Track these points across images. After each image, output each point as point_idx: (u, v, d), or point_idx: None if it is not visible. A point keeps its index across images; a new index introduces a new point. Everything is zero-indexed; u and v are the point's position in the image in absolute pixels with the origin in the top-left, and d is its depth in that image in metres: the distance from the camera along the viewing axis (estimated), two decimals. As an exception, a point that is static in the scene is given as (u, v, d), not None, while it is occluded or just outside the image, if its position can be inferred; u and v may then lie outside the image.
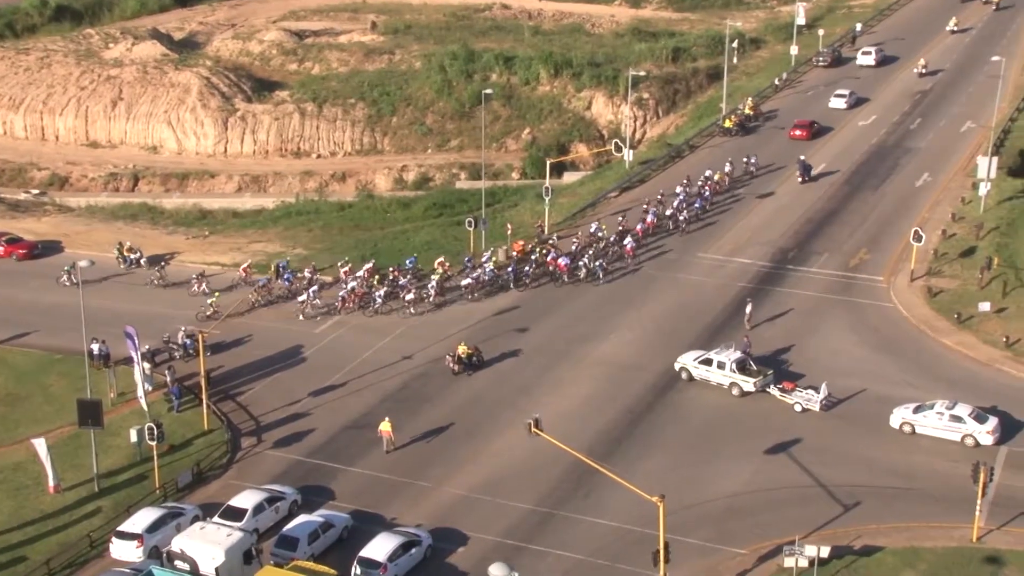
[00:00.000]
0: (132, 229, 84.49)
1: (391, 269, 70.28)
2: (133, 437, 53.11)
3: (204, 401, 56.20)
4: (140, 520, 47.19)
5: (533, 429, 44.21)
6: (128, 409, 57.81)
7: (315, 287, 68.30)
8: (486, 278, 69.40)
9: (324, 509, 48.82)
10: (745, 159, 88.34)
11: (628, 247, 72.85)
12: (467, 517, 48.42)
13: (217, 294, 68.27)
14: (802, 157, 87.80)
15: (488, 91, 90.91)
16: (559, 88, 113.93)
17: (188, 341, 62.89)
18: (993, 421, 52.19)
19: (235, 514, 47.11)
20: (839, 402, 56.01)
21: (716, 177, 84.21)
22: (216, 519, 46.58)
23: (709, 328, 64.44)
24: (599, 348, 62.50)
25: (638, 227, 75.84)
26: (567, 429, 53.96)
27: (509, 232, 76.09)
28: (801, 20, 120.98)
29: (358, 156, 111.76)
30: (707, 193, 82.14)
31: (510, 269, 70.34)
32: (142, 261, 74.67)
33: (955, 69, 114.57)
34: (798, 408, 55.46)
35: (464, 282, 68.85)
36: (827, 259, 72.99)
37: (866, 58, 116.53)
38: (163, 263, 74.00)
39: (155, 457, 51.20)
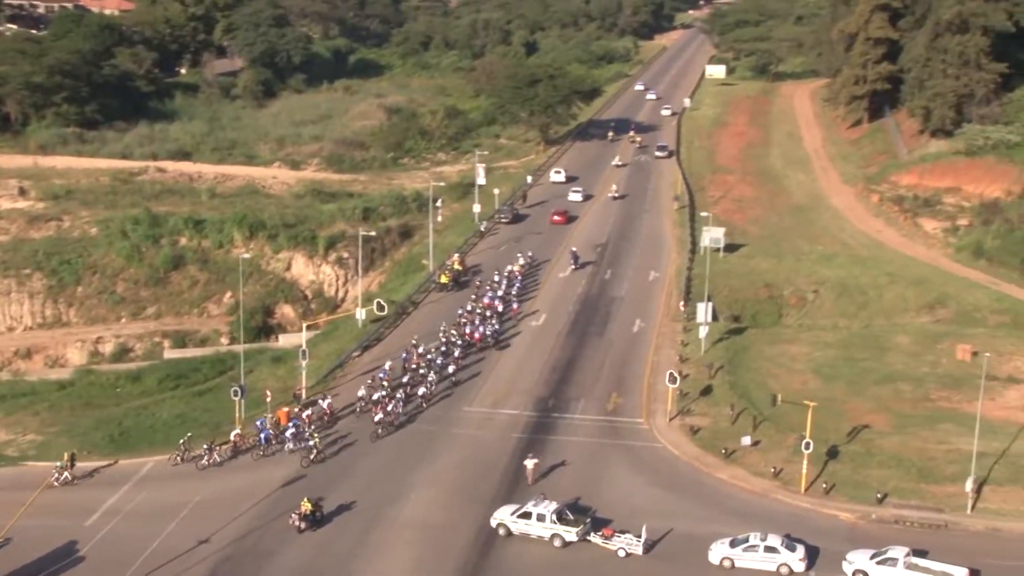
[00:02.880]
0: None
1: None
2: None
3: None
4: None
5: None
6: None
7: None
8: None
9: None
10: (520, 254, 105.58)
11: (514, 307, 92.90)
12: None
13: (317, 438, 67.34)
14: (573, 248, 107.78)
15: (246, 255, 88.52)
16: (256, 250, 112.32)
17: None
18: (801, 548, 55.98)
19: None
20: (654, 544, 58.00)
21: (516, 268, 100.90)
22: None
23: (502, 481, 65.05)
24: (404, 510, 61.41)
25: (486, 300, 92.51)
26: (404, 598, 52.80)
27: (268, 399, 73.54)
28: (482, 180, 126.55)
29: (41, 330, 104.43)
30: (519, 277, 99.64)
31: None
32: None
33: (627, 206, 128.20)
34: (622, 554, 56.96)
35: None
36: (584, 405, 75.90)
37: (558, 176, 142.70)
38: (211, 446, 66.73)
39: None
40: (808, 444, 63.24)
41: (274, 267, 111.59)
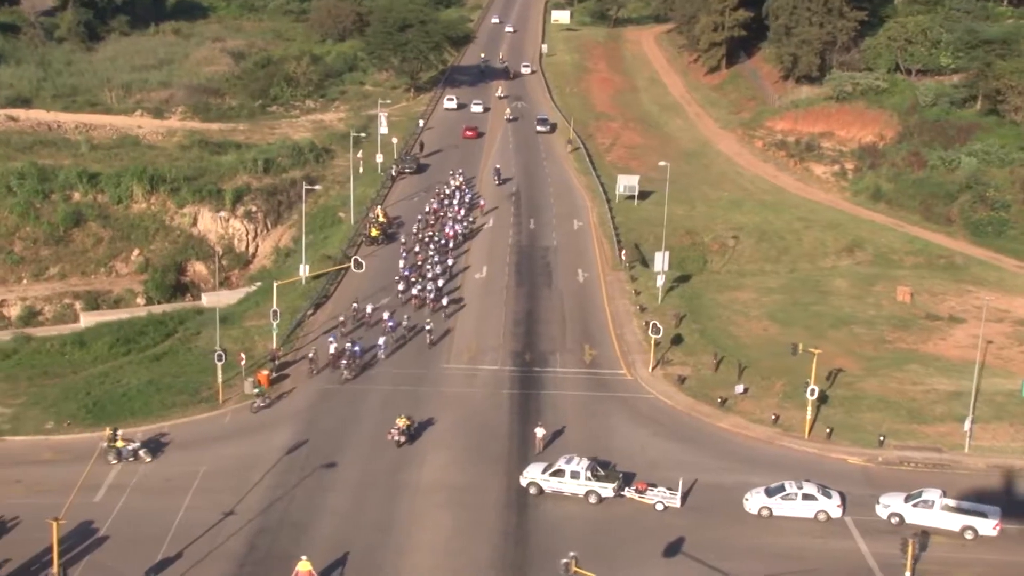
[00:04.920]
0: None
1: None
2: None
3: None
4: None
5: (575, 568, 41.71)
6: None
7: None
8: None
9: None
10: (450, 171, 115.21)
11: (481, 204, 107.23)
12: None
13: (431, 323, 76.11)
14: (497, 165, 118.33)
15: (222, 213, 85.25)
16: (158, 205, 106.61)
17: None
18: (837, 495, 56.90)
19: None
20: (685, 495, 58.04)
21: (458, 181, 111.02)
22: None
23: (510, 437, 63.99)
24: (422, 474, 59.71)
25: (435, 206, 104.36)
26: (458, 565, 51.66)
27: (243, 362, 70.17)
28: (384, 129, 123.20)
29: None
30: (466, 189, 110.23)
31: None
32: (141, 452, 59.64)
33: (526, 153, 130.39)
34: (660, 507, 56.79)
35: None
36: (561, 358, 75.24)
37: (450, 103, 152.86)
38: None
39: None
40: (813, 390, 64.28)
41: (179, 222, 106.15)
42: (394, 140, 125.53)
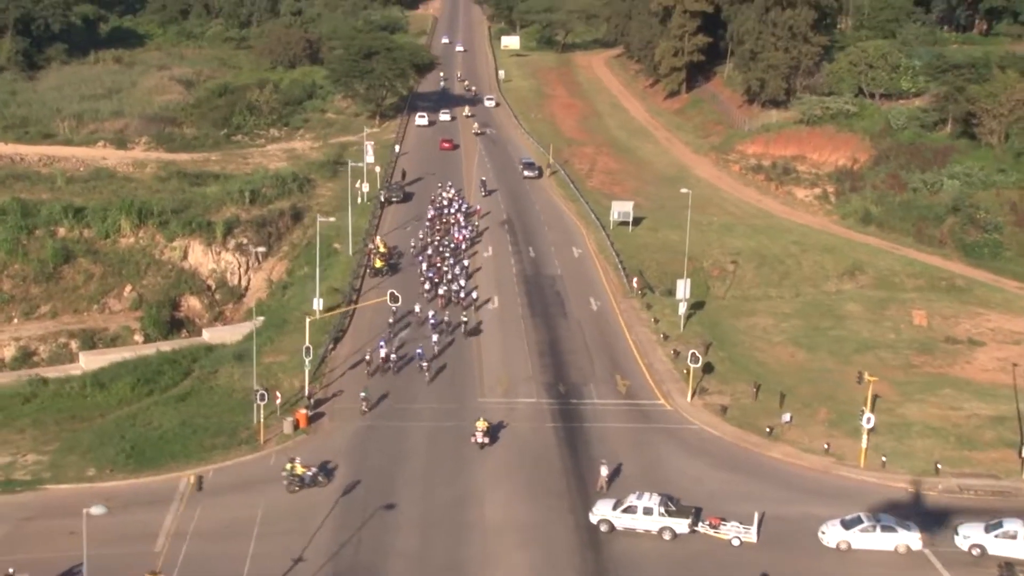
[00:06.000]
0: None
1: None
2: None
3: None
4: None
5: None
6: None
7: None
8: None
9: None
10: (440, 184, 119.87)
11: (477, 208, 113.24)
12: None
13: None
14: (483, 178, 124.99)
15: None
16: (146, 239, 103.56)
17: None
18: (915, 527, 56.09)
19: None
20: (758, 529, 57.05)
21: (451, 194, 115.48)
22: None
23: (566, 472, 62.67)
24: (485, 512, 58.12)
25: (429, 215, 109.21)
26: (545, 608, 50.16)
27: (278, 402, 68.06)
28: (370, 158, 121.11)
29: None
30: (458, 200, 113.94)
31: None
32: (320, 477, 59.58)
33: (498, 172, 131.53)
34: (736, 543, 55.74)
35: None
36: (596, 389, 74.06)
37: (422, 120, 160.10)
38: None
39: None
40: (870, 419, 63.82)
41: (169, 256, 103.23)
42: (377, 169, 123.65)
